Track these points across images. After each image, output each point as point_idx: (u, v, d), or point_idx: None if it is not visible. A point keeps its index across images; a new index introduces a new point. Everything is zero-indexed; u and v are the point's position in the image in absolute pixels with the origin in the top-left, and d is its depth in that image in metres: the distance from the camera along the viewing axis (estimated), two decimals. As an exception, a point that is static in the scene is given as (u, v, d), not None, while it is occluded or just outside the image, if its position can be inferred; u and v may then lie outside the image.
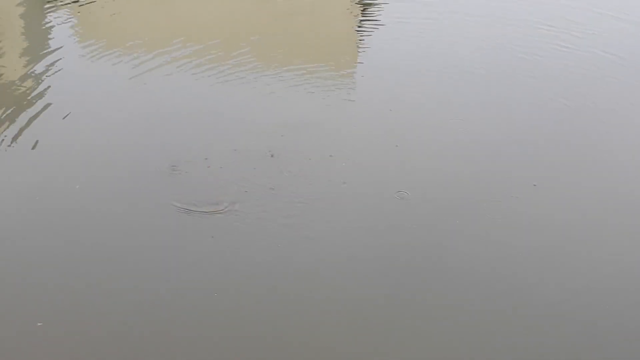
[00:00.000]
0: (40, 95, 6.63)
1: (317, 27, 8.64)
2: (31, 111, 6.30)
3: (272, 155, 5.58)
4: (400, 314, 4.19)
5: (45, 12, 8.87)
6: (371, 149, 5.76)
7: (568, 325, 4.13)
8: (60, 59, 7.46)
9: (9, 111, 6.30)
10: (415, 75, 7.05)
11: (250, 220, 4.89)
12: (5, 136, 5.90)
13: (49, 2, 9.12)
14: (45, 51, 7.69)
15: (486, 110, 6.38)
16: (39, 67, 7.26)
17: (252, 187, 5.20)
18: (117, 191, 5.22)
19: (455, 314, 4.19)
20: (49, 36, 8.23)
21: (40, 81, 6.96)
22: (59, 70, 7.18)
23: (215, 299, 4.28)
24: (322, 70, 7.13)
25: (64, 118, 6.21)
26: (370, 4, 9.16)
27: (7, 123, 6.09)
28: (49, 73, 7.13)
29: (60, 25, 8.46)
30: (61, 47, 7.79)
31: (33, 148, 5.76)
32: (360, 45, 7.95)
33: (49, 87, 6.82)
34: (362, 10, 8.97)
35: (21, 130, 5.99)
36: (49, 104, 6.43)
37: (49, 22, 8.57)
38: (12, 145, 5.79)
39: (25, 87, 6.85)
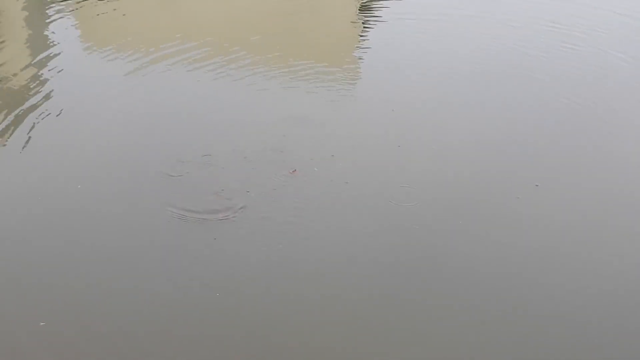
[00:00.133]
0: (41, 95, 6.63)
1: (318, 26, 8.64)
2: (31, 111, 6.30)
3: (273, 156, 5.57)
4: (400, 314, 4.19)
5: (46, 10, 8.88)
6: (373, 149, 5.76)
7: (568, 326, 4.12)
8: (60, 58, 7.47)
9: (9, 111, 6.30)
10: (416, 75, 7.04)
11: (251, 220, 4.88)
12: (5, 136, 5.90)
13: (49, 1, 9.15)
14: (45, 51, 7.69)
15: (488, 110, 6.37)
16: (39, 67, 7.26)
17: (254, 188, 5.19)
18: (117, 191, 5.22)
19: (455, 314, 4.18)
20: (49, 36, 8.23)
21: (40, 81, 6.95)
22: (59, 70, 7.19)
23: (217, 298, 4.28)
24: (323, 70, 7.13)
25: (63, 118, 6.20)
26: (371, 3, 9.15)
27: (7, 123, 6.09)
28: (49, 73, 7.14)
29: (60, 25, 8.46)
30: (61, 47, 7.80)
31: (33, 148, 5.75)
32: (361, 45, 7.95)
33: (49, 86, 6.82)
34: (362, 10, 8.96)
35: (21, 130, 5.99)
36: (49, 104, 6.43)
37: (50, 21, 8.58)
38: (12, 145, 5.80)
39: (25, 86, 6.85)
